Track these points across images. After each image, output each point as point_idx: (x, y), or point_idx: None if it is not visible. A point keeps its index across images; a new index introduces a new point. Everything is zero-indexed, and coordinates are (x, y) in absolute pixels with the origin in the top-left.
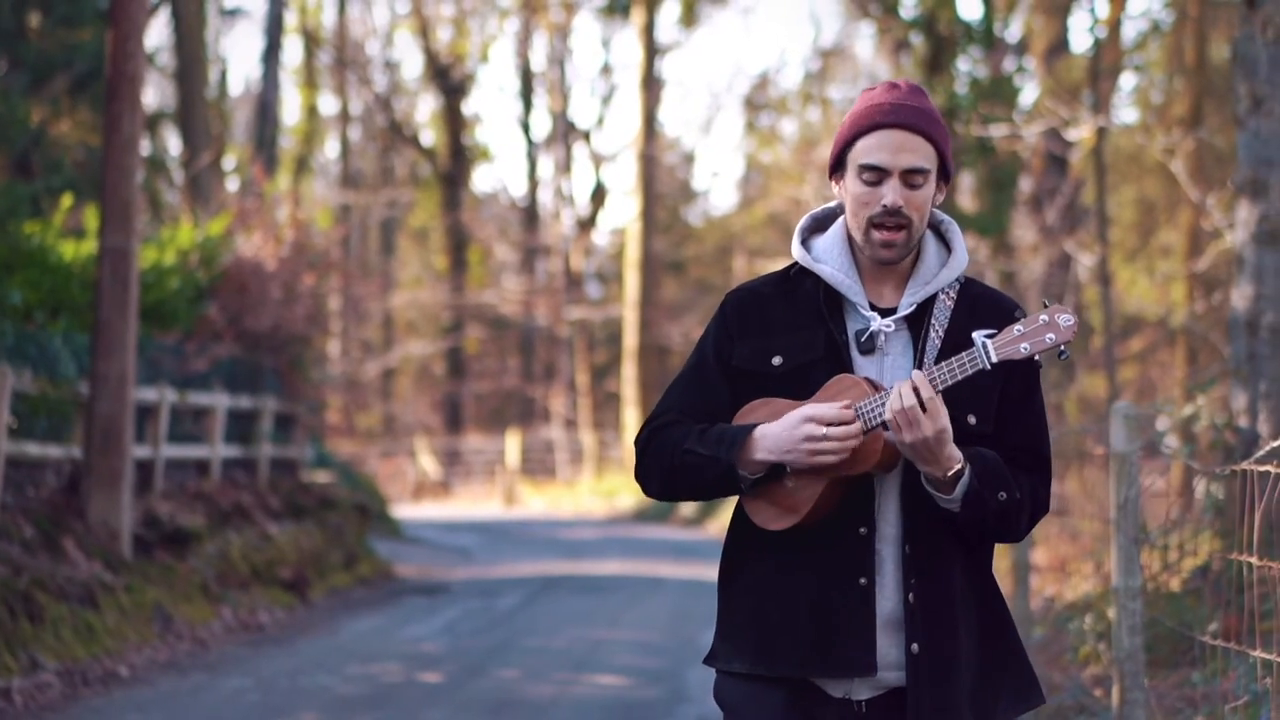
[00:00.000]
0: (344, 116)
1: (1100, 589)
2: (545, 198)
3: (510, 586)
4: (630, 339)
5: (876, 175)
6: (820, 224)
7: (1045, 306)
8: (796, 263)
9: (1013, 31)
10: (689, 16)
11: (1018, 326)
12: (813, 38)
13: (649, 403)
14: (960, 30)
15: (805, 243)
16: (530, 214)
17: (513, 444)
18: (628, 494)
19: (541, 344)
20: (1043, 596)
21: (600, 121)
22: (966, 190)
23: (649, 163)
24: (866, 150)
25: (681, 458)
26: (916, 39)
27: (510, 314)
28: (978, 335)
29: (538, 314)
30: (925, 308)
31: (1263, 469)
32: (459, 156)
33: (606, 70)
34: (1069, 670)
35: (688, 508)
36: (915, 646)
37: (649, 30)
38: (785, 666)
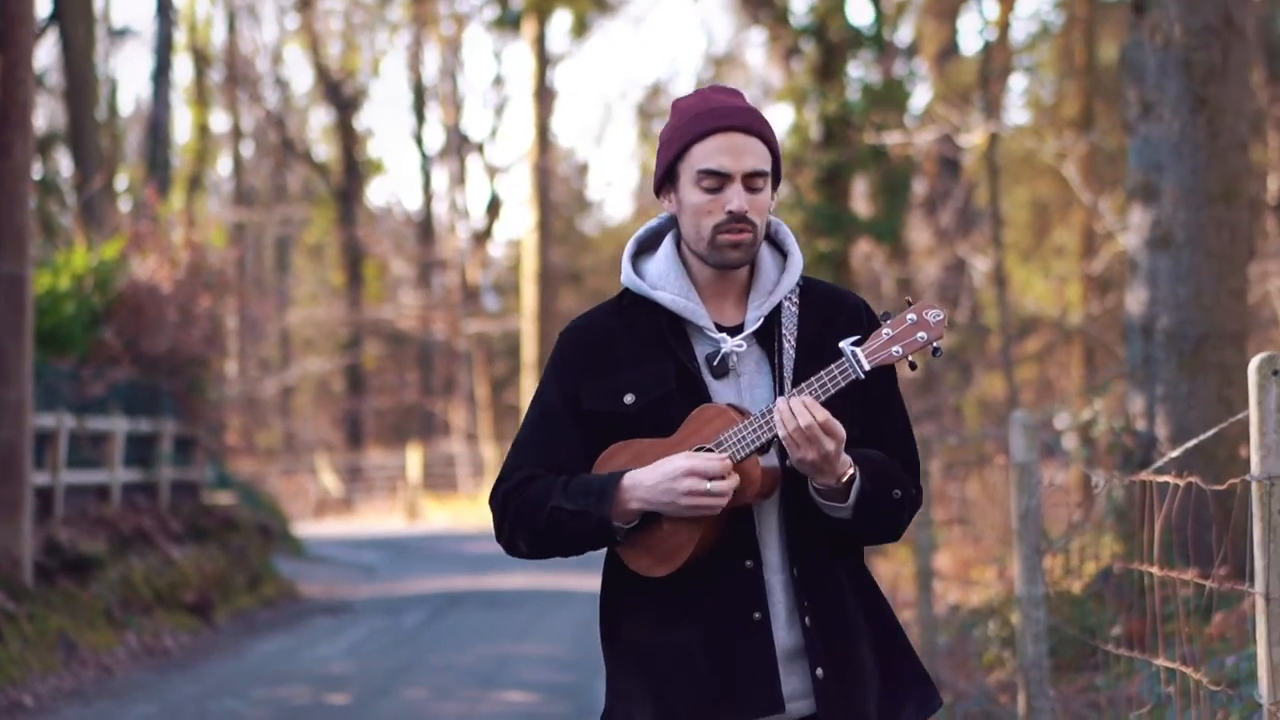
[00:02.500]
0: (236, 134)
1: (1004, 594)
2: (440, 211)
3: (415, 603)
4: (529, 351)
5: (718, 181)
6: (645, 246)
7: (909, 305)
8: (627, 290)
9: (903, 36)
10: (580, 27)
11: (885, 330)
12: (704, 46)
13: None
14: (851, 36)
15: (636, 269)
16: (426, 228)
17: (414, 458)
18: None
19: (440, 358)
20: (946, 603)
21: (494, 133)
22: (860, 195)
23: (543, 174)
24: (705, 155)
25: (548, 516)
26: (807, 45)
27: (408, 329)
28: (845, 345)
29: (436, 328)
30: (772, 319)
31: (1162, 479)
32: (352, 171)
33: (499, 82)
34: (974, 676)
35: None
36: (820, 671)
37: (540, 41)
38: (689, 716)
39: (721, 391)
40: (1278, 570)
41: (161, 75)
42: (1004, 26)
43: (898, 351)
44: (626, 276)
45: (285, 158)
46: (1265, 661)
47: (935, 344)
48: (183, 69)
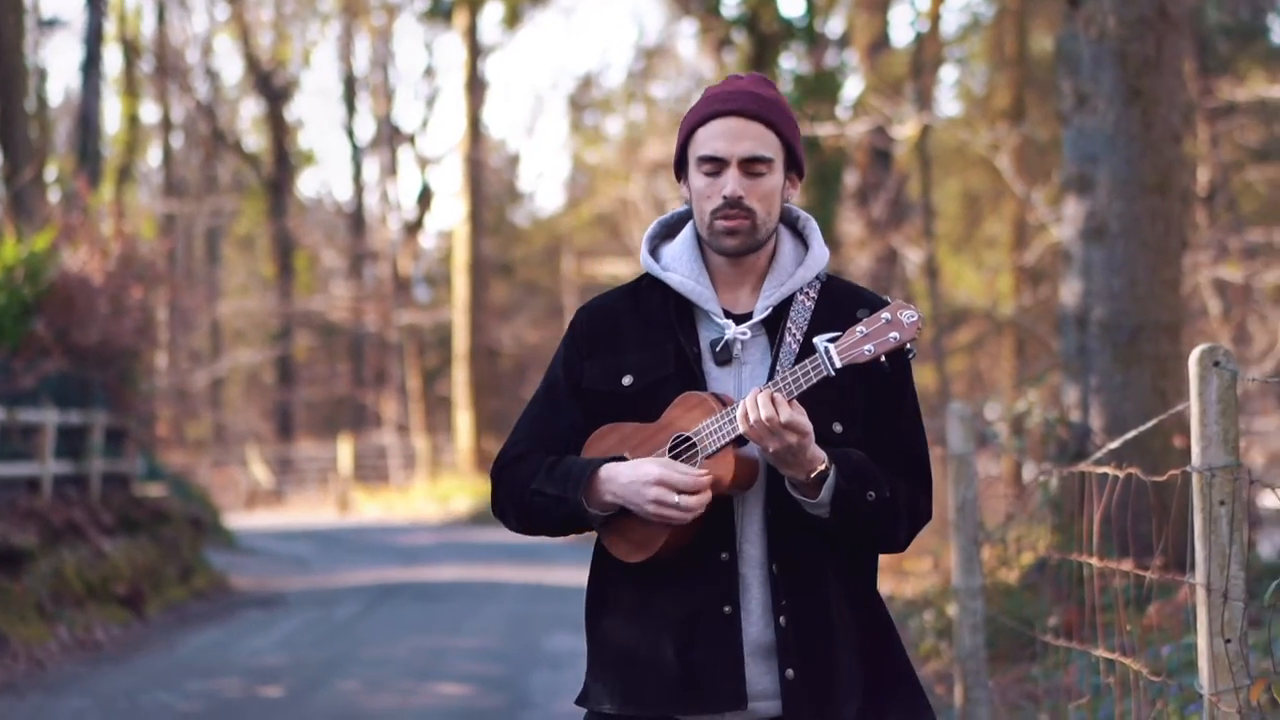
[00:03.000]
0: (166, 125)
1: (939, 585)
2: (371, 202)
3: (348, 595)
4: (460, 342)
5: (715, 165)
6: (670, 230)
7: (886, 303)
8: (647, 273)
9: (835, 27)
10: (512, 17)
11: (860, 327)
12: (636, 37)
13: (481, 406)
14: (782, 27)
15: (654, 251)
16: (357, 219)
17: (345, 450)
18: (462, 497)
19: (371, 349)
20: (881, 593)
21: (425, 124)
22: None
23: (475, 165)
24: (704, 140)
25: (531, 499)
26: (739, 37)
27: (339, 320)
28: (820, 340)
29: (367, 319)
30: (782, 310)
31: (1101, 470)
32: (283, 162)
33: (430, 73)
34: None
35: None
36: (790, 672)
37: (472, 32)
38: (653, 704)
39: (721, 379)
40: (1218, 561)
41: (91, 66)
42: (935, 18)
43: (870, 350)
44: (643, 257)
45: (216, 148)
46: (1206, 652)
47: (909, 345)
48: (113, 60)
